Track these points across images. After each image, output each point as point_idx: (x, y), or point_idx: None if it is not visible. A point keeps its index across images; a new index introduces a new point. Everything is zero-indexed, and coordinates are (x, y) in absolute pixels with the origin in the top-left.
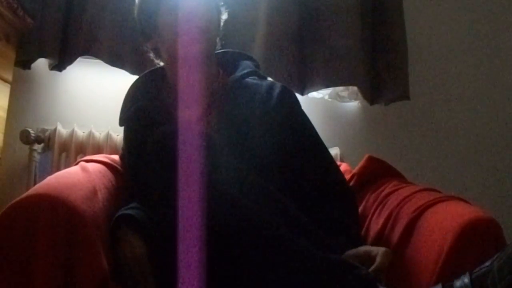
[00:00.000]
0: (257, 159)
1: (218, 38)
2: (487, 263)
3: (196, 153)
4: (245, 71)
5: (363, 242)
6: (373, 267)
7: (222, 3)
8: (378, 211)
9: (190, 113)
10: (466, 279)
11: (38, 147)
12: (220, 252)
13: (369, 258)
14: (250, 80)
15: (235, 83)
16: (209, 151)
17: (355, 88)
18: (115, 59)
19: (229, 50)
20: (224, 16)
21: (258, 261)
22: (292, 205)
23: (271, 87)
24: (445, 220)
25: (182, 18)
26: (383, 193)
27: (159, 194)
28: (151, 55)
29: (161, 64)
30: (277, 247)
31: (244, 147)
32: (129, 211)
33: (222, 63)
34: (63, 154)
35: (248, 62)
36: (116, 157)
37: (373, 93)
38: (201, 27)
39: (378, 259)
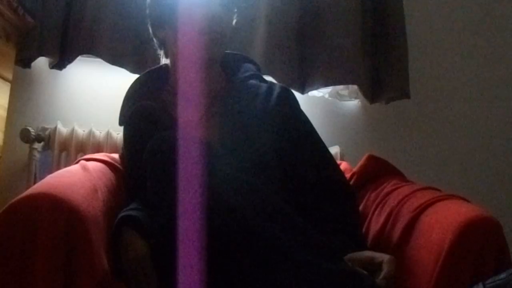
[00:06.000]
0: (258, 159)
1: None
2: (502, 275)
3: (195, 161)
4: (246, 74)
5: (364, 241)
6: (382, 275)
7: (236, 10)
8: (378, 210)
9: (190, 114)
10: None
11: (38, 145)
12: (220, 257)
13: (372, 265)
14: (251, 82)
15: (236, 85)
16: (208, 158)
17: (355, 86)
18: (115, 58)
19: (231, 52)
20: (234, 22)
21: (256, 269)
22: (292, 211)
23: (270, 88)
24: (445, 219)
25: (201, 18)
26: (383, 192)
27: (157, 200)
28: (155, 43)
29: (164, 58)
30: (278, 257)
31: (245, 148)
32: (131, 212)
33: (224, 65)
34: (63, 153)
35: (249, 65)
36: (116, 156)
37: (373, 91)
38: (217, 32)
39: (385, 268)
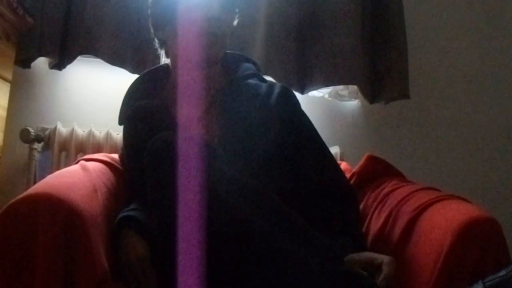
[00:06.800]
0: (258, 159)
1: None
2: (502, 273)
3: (194, 161)
4: (246, 73)
5: (365, 241)
6: (381, 276)
7: (237, 10)
8: (378, 210)
9: (190, 113)
10: (479, 287)
11: (38, 146)
12: (219, 257)
13: (372, 265)
14: (250, 81)
15: (236, 84)
16: (209, 158)
17: (355, 87)
18: (115, 58)
19: (231, 52)
20: (236, 22)
21: (256, 271)
22: (292, 211)
23: (271, 87)
24: (445, 219)
25: (200, 19)
26: (383, 192)
27: (157, 200)
28: (156, 43)
29: (164, 58)
30: (278, 257)
31: (245, 148)
32: (131, 213)
33: (224, 64)
34: (63, 153)
35: (249, 65)
36: (116, 156)
37: (373, 92)
38: (218, 32)
39: (385, 268)
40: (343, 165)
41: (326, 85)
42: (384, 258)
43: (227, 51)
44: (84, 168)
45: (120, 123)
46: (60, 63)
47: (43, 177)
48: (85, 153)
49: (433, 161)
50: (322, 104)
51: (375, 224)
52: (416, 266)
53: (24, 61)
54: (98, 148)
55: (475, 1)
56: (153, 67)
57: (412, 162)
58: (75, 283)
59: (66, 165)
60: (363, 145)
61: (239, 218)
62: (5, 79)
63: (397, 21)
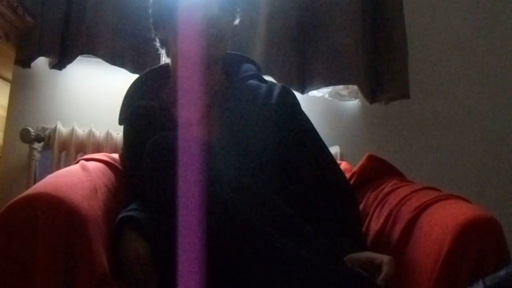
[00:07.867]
0: (258, 159)
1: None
2: (502, 272)
3: (194, 161)
4: (246, 74)
5: (365, 241)
6: (381, 276)
7: (239, 9)
8: (378, 210)
9: (190, 113)
10: (480, 287)
11: (38, 145)
12: (219, 257)
13: (372, 265)
14: (251, 82)
15: (236, 85)
16: (208, 158)
17: (355, 86)
18: (115, 58)
19: (231, 52)
20: (237, 22)
21: (256, 271)
22: (292, 211)
23: (271, 87)
24: (445, 219)
25: (199, 19)
26: (383, 192)
27: (157, 200)
28: (157, 42)
29: (164, 58)
30: (277, 257)
31: (245, 147)
32: (131, 213)
33: (224, 65)
34: (63, 153)
35: (249, 65)
36: (116, 155)
37: (373, 91)
38: (218, 32)
39: (385, 268)
40: (343, 165)
41: (326, 85)
42: (384, 258)
43: (228, 52)
44: (84, 168)
45: (120, 123)
46: (60, 63)
47: (43, 177)
48: (85, 153)
49: (433, 161)
50: (322, 104)
51: (375, 224)
52: (416, 266)
53: (24, 61)
54: (98, 148)
55: (475, 1)
56: (154, 67)
57: (412, 162)
58: (75, 283)
59: (66, 165)
60: (363, 145)
61: (239, 218)
62: (5, 79)
63: (397, 21)
